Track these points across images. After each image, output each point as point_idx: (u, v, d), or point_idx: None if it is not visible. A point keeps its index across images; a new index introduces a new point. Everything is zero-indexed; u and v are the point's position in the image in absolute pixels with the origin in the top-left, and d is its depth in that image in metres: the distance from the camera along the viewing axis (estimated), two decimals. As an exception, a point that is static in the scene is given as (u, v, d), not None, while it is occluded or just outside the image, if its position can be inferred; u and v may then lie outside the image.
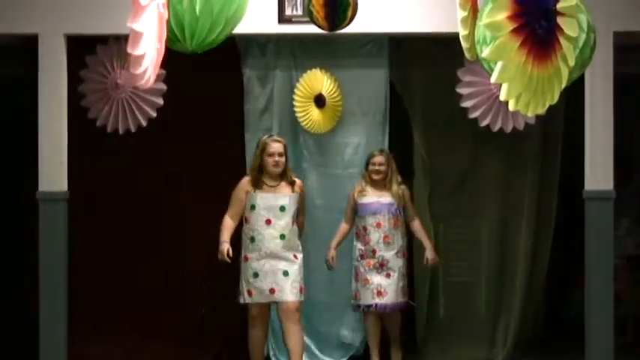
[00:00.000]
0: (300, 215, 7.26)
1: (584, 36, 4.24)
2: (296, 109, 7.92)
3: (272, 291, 6.97)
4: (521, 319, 8.08)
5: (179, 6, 4.59)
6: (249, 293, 7.03)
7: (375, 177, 7.61)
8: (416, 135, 8.09)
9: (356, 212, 7.62)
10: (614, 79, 7.31)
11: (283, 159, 7.11)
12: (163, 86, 7.50)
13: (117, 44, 7.53)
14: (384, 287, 7.46)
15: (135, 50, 4.29)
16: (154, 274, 8.02)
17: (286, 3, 7.34)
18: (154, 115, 7.63)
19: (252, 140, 8.00)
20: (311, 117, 7.90)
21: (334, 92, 7.90)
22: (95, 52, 7.69)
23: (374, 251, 7.51)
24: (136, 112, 7.62)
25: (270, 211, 7.01)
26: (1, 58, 8.29)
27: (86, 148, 7.75)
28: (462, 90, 7.73)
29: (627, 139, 8.61)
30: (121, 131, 7.67)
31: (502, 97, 4.12)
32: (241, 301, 7.11)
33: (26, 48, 7.57)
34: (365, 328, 7.76)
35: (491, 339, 8.11)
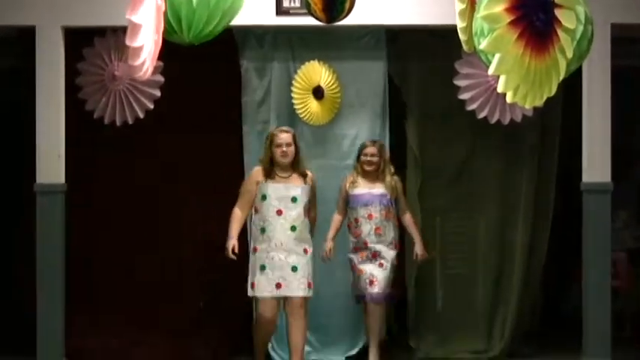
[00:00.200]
0: (312, 209, 7.18)
1: (581, 28, 4.24)
2: (294, 101, 7.91)
3: (278, 285, 6.89)
4: (518, 311, 8.08)
5: (176, -2, 4.59)
6: (252, 286, 6.96)
7: (367, 168, 7.55)
8: (408, 128, 8.08)
9: (348, 204, 7.58)
10: (613, 72, 7.32)
11: (292, 148, 7.06)
12: (161, 78, 7.49)
13: (114, 36, 7.53)
14: (375, 276, 7.40)
15: (133, 42, 4.29)
16: (151, 266, 8.02)
17: (284, -5, 7.36)
18: (152, 107, 7.62)
19: (250, 132, 8.00)
20: (309, 109, 7.90)
21: (333, 84, 7.89)
22: (92, 44, 7.67)
23: (365, 243, 7.46)
24: (134, 104, 7.61)
25: (281, 202, 6.94)
26: (-2, 50, 8.30)
27: (83, 140, 7.74)
28: (459, 82, 7.72)
29: (627, 131, 8.62)
30: (118, 123, 7.65)
31: (500, 89, 4.11)
32: (249, 294, 7.05)
33: (24, 40, 7.56)
34: (364, 320, 7.70)
35: (489, 332, 8.11)
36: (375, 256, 7.45)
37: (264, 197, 6.98)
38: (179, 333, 7.93)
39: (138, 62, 4.38)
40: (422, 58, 8.07)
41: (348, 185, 7.55)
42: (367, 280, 7.42)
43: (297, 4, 7.30)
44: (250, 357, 7.53)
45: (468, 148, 8.13)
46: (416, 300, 8.10)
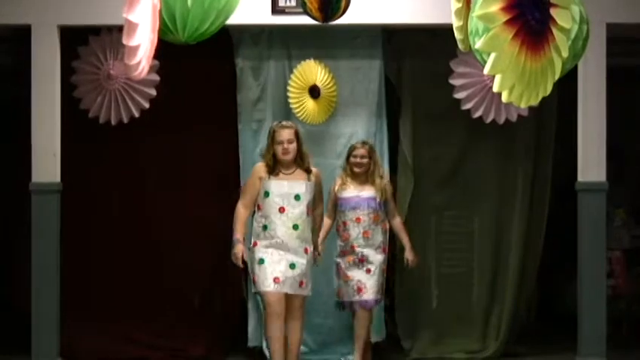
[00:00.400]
0: (318, 207, 6.97)
1: (577, 27, 4.24)
2: (290, 100, 7.89)
3: (276, 280, 6.61)
4: (514, 309, 8.09)
5: (171, -3, 4.58)
6: (254, 281, 6.74)
7: (357, 169, 7.36)
8: (402, 127, 8.06)
9: (336, 207, 7.42)
10: (609, 72, 7.33)
11: (293, 145, 6.77)
12: (156, 77, 7.49)
13: (109, 35, 7.52)
14: (363, 283, 7.23)
15: (130, 41, 4.29)
16: (147, 264, 8.00)
17: (280, -7, 7.36)
18: (147, 106, 7.61)
19: (245, 131, 7.99)
20: (306, 108, 7.88)
21: (329, 83, 7.87)
22: (88, 43, 7.66)
23: (352, 247, 7.28)
24: (129, 103, 7.60)
25: (284, 199, 6.69)
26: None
27: (79, 139, 7.73)
28: (455, 81, 7.72)
29: (623, 130, 8.63)
30: (113, 122, 7.64)
31: (495, 88, 4.11)
32: (252, 290, 6.95)
33: (19, 39, 7.55)
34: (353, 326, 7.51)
35: (485, 329, 8.12)
36: (362, 260, 7.26)
37: (266, 194, 6.72)
38: (174, 331, 7.94)
39: (134, 61, 4.37)
40: (418, 57, 8.06)
41: (337, 188, 7.39)
42: (355, 287, 7.25)
43: (293, 3, 7.30)
44: (246, 356, 7.53)
45: (463, 146, 8.14)
46: (409, 300, 8.11)
